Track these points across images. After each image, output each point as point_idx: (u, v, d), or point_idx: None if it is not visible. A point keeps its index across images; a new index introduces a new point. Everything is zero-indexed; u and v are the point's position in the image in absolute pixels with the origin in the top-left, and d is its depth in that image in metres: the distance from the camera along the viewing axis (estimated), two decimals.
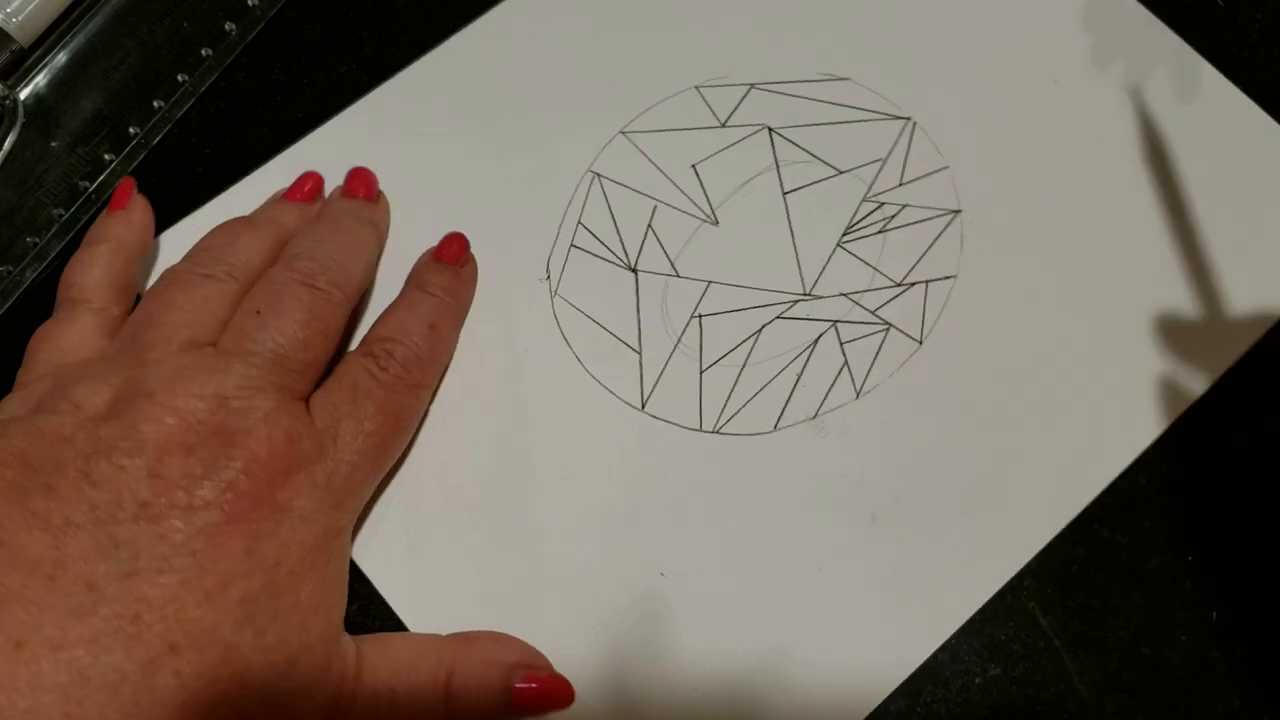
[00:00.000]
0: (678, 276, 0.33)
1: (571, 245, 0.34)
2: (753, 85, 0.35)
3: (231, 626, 0.24)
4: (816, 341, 0.33)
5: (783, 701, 0.29)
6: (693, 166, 0.35)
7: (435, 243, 0.33)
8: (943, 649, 0.29)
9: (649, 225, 0.34)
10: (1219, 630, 0.29)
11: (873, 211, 0.34)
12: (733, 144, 0.35)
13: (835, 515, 0.31)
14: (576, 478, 0.31)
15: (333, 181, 0.34)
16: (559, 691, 0.28)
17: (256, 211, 0.33)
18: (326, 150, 0.35)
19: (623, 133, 0.35)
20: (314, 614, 0.26)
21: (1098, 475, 0.31)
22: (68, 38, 0.35)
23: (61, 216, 0.34)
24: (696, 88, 0.35)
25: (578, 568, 0.30)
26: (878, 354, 0.32)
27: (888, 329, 0.33)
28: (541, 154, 0.35)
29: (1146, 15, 0.35)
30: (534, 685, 0.28)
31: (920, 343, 0.32)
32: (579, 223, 0.34)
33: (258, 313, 0.28)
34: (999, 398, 0.32)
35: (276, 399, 0.27)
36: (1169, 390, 0.32)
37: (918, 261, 0.33)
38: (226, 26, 0.36)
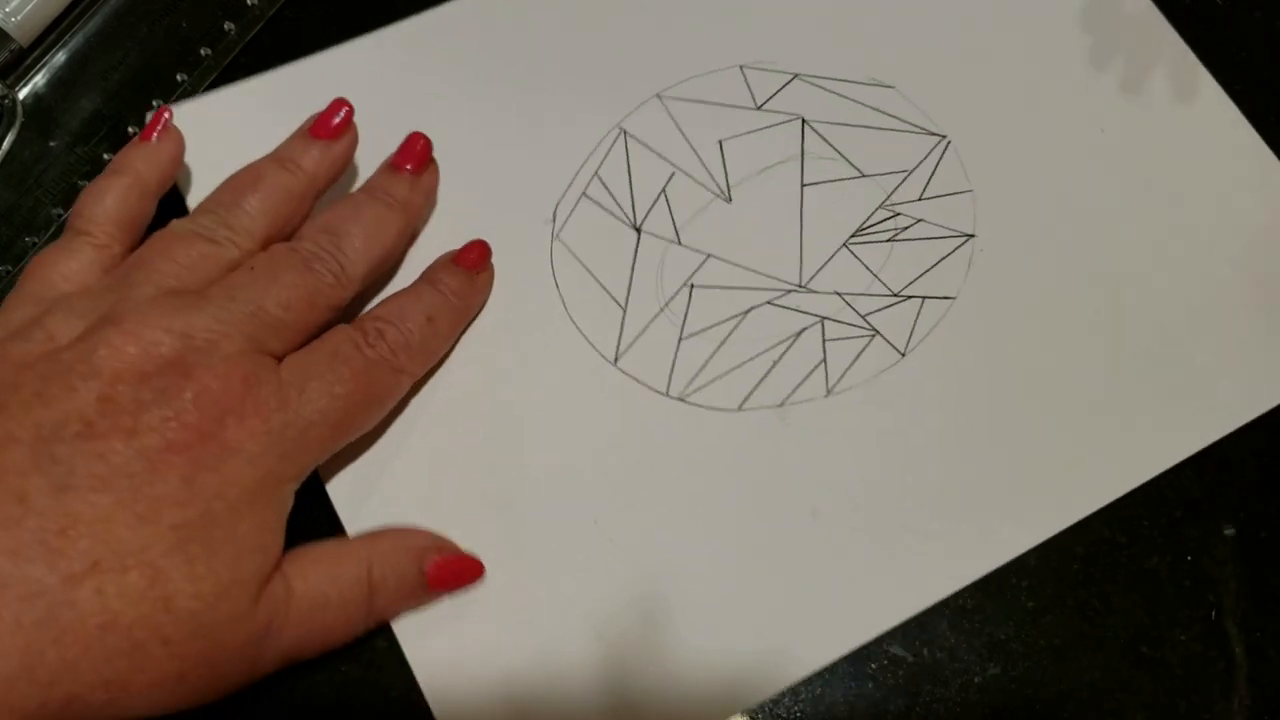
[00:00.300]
0: (679, 244, 0.33)
1: (583, 194, 0.34)
2: (797, 75, 0.35)
3: (161, 551, 0.24)
4: (800, 334, 0.32)
5: (661, 673, 0.29)
6: (719, 142, 0.35)
7: (452, 177, 0.33)
8: (941, 648, 0.29)
9: (663, 190, 0.34)
10: (1218, 630, 0.30)
11: (886, 219, 0.34)
12: (764, 128, 0.35)
13: (777, 503, 0.31)
14: (535, 419, 0.31)
15: (358, 99, 0.32)
16: (469, 568, 0.29)
17: (276, 151, 0.31)
18: (354, 66, 0.35)
19: (659, 96, 0.35)
20: (248, 553, 0.26)
21: (1052, 519, 0.30)
22: (67, 37, 0.35)
23: (60, 216, 0.34)
24: (741, 67, 0.36)
25: (521, 508, 0.31)
26: (858, 358, 0.32)
27: (873, 336, 0.32)
28: (573, 101, 0.35)
29: (1156, 15, 0.36)
30: (445, 564, 0.29)
31: (902, 355, 0.32)
32: (596, 174, 0.34)
33: (251, 269, 0.28)
34: (969, 423, 0.31)
35: (243, 345, 0.27)
36: (1149, 448, 0.31)
37: (920, 276, 0.33)
38: (225, 26, 0.36)
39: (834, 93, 0.35)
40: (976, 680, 0.29)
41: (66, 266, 0.29)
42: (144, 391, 0.25)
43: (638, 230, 0.34)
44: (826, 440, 0.31)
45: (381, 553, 0.28)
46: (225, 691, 0.26)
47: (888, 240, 0.34)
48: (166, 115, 0.31)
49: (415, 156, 0.32)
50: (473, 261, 0.32)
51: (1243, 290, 0.33)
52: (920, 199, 0.34)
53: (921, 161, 0.34)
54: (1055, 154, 0.35)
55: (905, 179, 0.34)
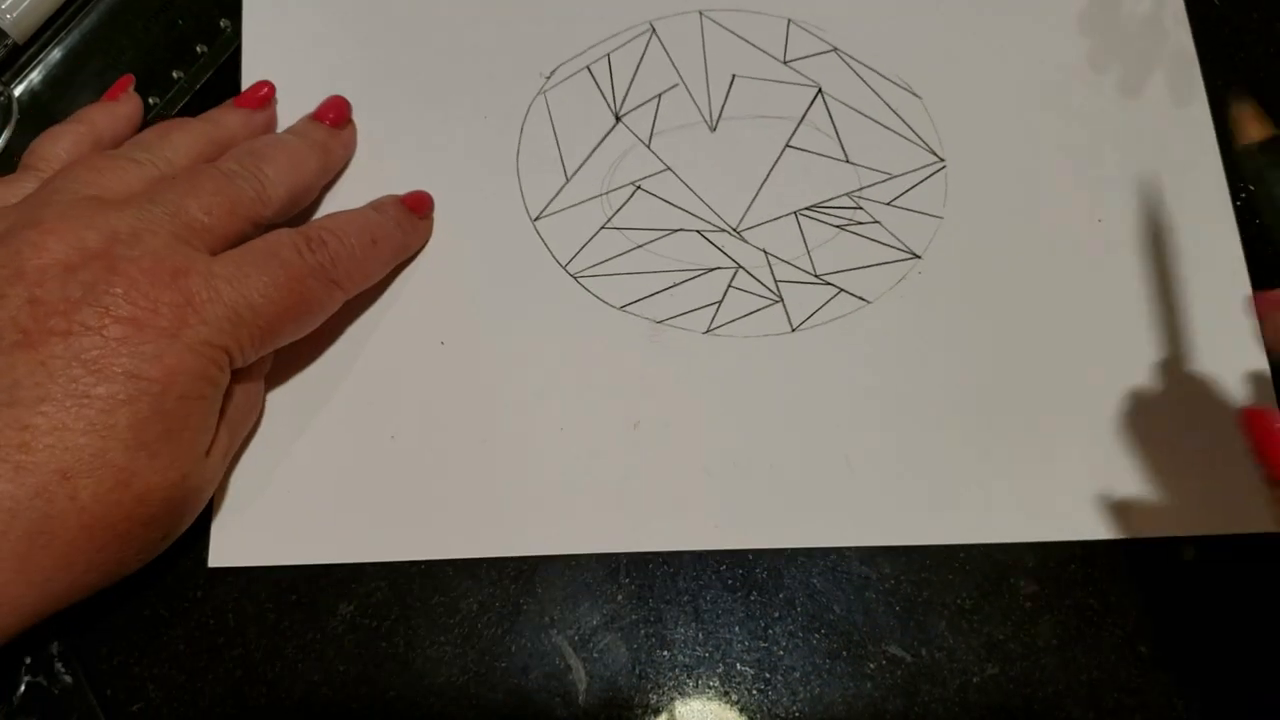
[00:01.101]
0: (647, 146, 0.34)
1: (587, 67, 0.35)
2: (836, 49, 0.36)
3: (122, 451, 0.25)
4: (711, 270, 0.33)
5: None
6: (733, 75, 0.35)
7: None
8: (939, 648, 0.30)
9: (659, 95, 0.35)
10: (1217, 629, 0.30)
11: (847, 208, 0.34)
12: (780, 81, 0.35)
13: (607, 403, 0.31)
14: (435, 234, 0.33)
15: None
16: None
17: (202, 115, 0.33)
18: None
19: (701, 12, 0.36)
20: (201, 433, 0.27)
21: (847, 533, 0.30)
22: (63, 34, 0.35)
23: None
24: (790, 20, 0.36)
25: (377, 318, 0.32)
26: (750, 314, 0.32)
27: (776, 301, 0.33)
28: None
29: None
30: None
31: (792, 330, 0.32)
32: (607, 56, 0.35)
33: (173, 179, 0.29)
34: (815, 413, 0.31)
35: (169, 240, 0.27)
36: (992, 517, 0.30)
37: (847, 270, 0.33)
38: (221, 23, 0.36)
39: (862, 79, 0.35)
40: (975, 680, 0.29)
41: (7, 193, 0.29)
42: (72, 288, 0.25)
43: (617, 118, 0.35)
44: (680, 369, 0.32)
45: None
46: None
47: (837, 226, 0.33)
48: (130, 83, 0.33)
49: (334, 112, 0.33)
50: (416, 205, 0.32)
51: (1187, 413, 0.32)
52: (889, 204, 0.34)
53: (908, 173, 0.34)
54: (1041, 221, 0.34)
55: (884, 181, 0.34)
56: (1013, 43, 0.36)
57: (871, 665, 0.29)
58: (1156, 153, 0.34)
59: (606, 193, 0.34)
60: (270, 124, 0.33)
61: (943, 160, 0.34)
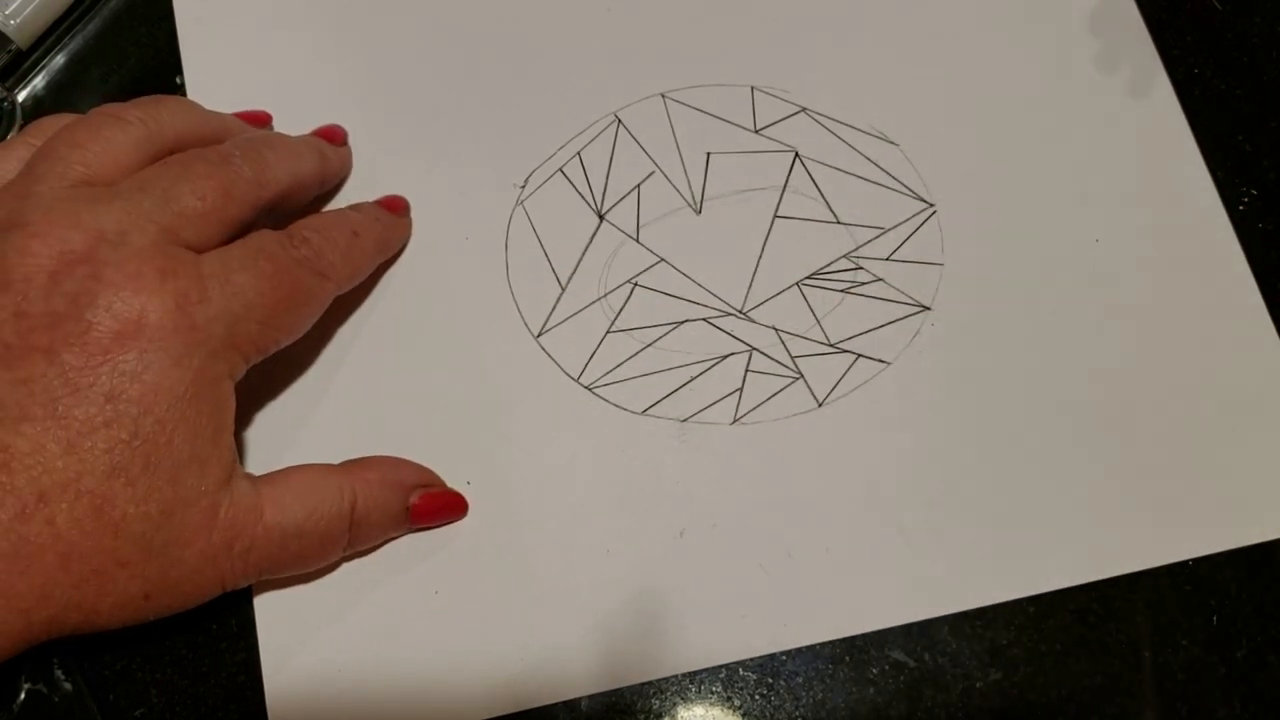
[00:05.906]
0: (636, 241, 0.33)
1: (560, 170, 0.34)
2: (805, 109, 0.35)
3: (99, 476, 0.24)
4: (726, 358, 0.32)
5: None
6: (707, 154, 0.35)
7: (444, 114, 0.34)
8: (942, 653, 0.29)
9: (638, 186, 0.34)
10: (1219, 635, 0.29)
11: (847, 270, 0.33)
12: (756, 151, 0.35)
13: (649, 516, 0.30)
14: (440, 364, 0.32)
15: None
16: (454, 503, 0.30)
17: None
18: None
19: (663, 95, 0.35)
20: (186, 467, 0.25)
21: (905, 610, 0.30)
22: (66, 40, 0.35)
23: None
24: (753, 87, 0.35)
25: (396, 450, 0.31)
26: (773, 396, 0.32)
27: (797, 378, 0.32)
28: (579, 78, 0.35)
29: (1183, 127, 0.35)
30: (431, 500, 0.29)
31: (819, 405, 0.32)
32: (578, 154, 0.34)
33: (165, 163, 0.27)
34: (861, 488, 0.31)
35: (156, 236, 0.26)
36: (1031, 566, 0.30)
37: (861, 333, 0.32)
38: None
39: (836, 135, 0.35)
40: (978, 685, 0.29)
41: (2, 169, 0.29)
42: (55, 300, 0.24)
43: (601, 217, 0.34)
44: (715, 466, 0.31)
45: (368, 487, 0.28)
46: (197, 602, 0.26)
47: (841, 290, 0.33)
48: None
49: (331, 134, 0.34)
50: (392, 206, 0.33)
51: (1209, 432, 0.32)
52: (888, 259, 0.33)
53: (901, 224, 0.34)
54: (1040, 250, 0.33)
55: (879, 236, 0.34)
56: (980, 74, 0.35)
57: (874, 670, 0.29)
58: (1139, 164, 0.34)
59: (604, 295, 0.33)
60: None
61: (932, 205, 0.34)
